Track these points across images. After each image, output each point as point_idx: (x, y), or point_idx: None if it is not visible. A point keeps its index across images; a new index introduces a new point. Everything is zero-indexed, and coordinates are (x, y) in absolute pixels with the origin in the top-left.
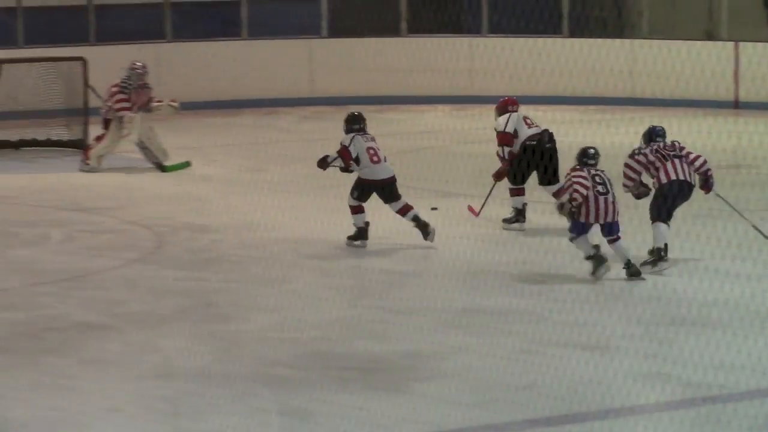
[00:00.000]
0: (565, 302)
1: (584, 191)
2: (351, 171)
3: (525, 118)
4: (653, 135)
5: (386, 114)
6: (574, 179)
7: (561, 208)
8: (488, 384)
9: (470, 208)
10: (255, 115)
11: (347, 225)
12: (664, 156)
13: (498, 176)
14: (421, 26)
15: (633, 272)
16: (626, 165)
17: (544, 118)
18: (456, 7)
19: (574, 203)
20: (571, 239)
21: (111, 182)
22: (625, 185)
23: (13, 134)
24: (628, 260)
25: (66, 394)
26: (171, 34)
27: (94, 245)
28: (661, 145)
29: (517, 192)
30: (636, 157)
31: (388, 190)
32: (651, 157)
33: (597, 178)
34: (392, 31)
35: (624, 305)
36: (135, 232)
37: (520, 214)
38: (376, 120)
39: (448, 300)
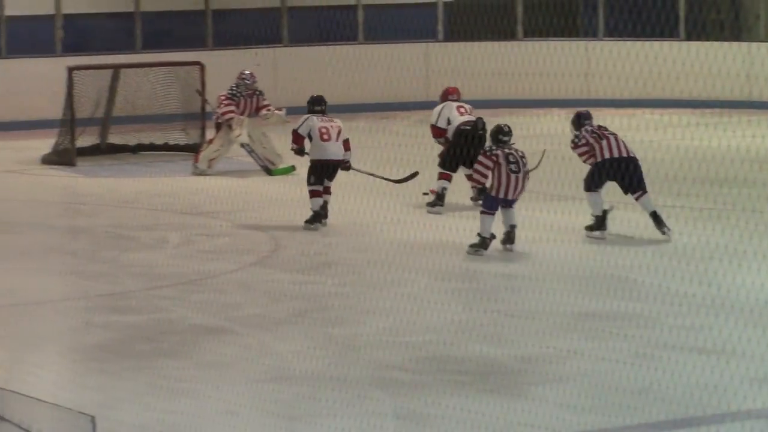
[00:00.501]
0: (680, 306)
1: (487, 173)
2: (304, 153)
3: (459, 107)
4: (582, 119)
5: (501, 118)
6: (478, 166)
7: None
8: (603, 388)
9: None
10: (370, 119)
11: (463, 228)
12: (599, 135)
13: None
14: (537, 30)
15: (510, 240)
16: (579, 154)
17: (660, 121)
18: (572, 10)
19: (477, 185)
20: (482, 212)
21: (228, 186)
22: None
23: (131, 139)
24: (512, 227)
25: (182, 398)
26: (287, 38)
27: (211, 249)
28: (594, 125)
29: (445, 176)
30: (579, 144)
31: (332, 170)
32: (590, 139)
33: (510, 157)
34: (508, 34)
35: (740, 309)
36: (251, 236)
37: (440, 199)
38: (491, 124)
39: (562, 304)
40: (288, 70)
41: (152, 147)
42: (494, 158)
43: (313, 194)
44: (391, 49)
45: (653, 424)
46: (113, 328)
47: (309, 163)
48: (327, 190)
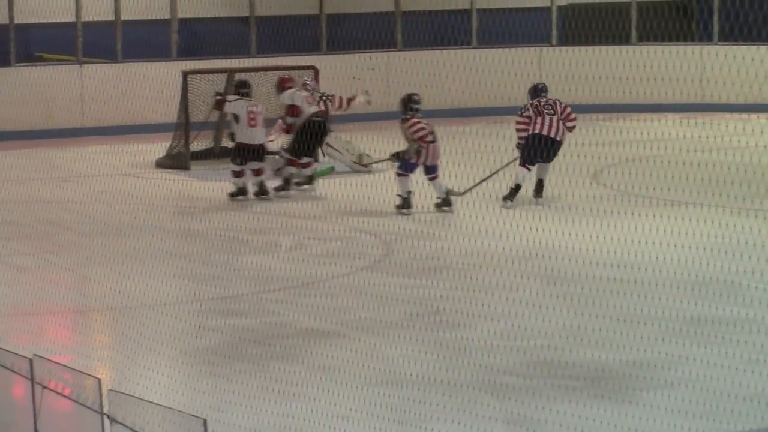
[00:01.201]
0: None
1: (431, 137)
2: (233, 136)
3: (307, 97)
4: (537, 91)
5: (615, 122)
6: (419, 130)
7: (411, 152)
8: (714, 394)
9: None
10: (484, 124)
11: (576, 234)
12: (538, 111)
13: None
14: (651, 34)
15: (445, 204)
16: (516, 122)
17: None
18: (687, 15)
19: (422, 147)
20: (398, 174)
21: (338, 190)
22: (519, 141)
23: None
24: (446, 195)
25: (293, 401)
26: (401, 43)
27: (323, 252)
28: (542, 101)
29: (293, 163)
30: (523, 113)
31: (257, 153)
32: (530, 112)
33: (428, 127)
34: (623, 39)
35: None
36: (363, 240)
37: (287, 184)
38: (605, 128)
39: (673, 308)
40: (401, 74)
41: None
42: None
43: (237, 174)
44: (504, 53)
45: (764, 430)
46: (225, 331)
47: (235, 145)
48: (257, 172)
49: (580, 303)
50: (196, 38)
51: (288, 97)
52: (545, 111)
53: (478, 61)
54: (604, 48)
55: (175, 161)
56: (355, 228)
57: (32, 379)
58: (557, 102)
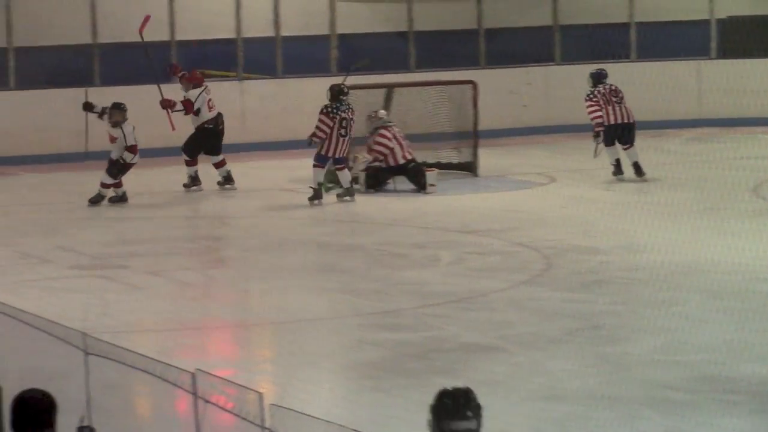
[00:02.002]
0: None
1: (327, 131)
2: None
3: (209, 100)
4: (600, 77)
5: None
6: (318, 125)
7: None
8: None
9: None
10: (642, 137)
11: (737, 248)
12: (607, 100)
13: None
14: None
15: (347, 194)
16: (588, 107)
17: None
18: None
19: (314, 139)
20: (314, 166)
21: (499, 204)
22: (597, 128)
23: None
24: (350, 185)
25: None
26: (560, 57)
27: (483, 267)
28: (606, 88)
29: (193, 163)
30: (591, 98)
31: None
32: (599, 98)
33: (343, 122)
34: None
35: None
36: (523, 254)
37: (196, 179)
38: (765, 141)
39: None
40: (559, 88)
41: (424, 165)
42: (333, 120)
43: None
44: (663, 66)
45: None
46: (385, 346)
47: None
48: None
49: (741, 317)
50: (355, 53)
51: (193, 94)
52: (613, 99)
53: (637, 75)
54: (764, 61)
55: (335, 176)
56: (515, 242)
57: (195, 393)
58: (617, 88)
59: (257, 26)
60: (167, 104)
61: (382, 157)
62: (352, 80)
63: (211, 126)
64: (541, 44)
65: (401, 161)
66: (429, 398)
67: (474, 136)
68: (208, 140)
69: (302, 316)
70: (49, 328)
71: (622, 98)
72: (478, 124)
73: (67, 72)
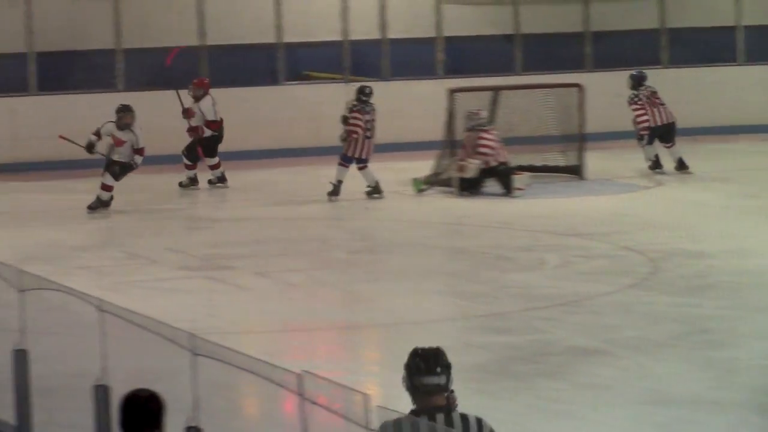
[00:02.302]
0: None
1: (360, 132)
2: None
3: (215, 104)
4: (641, 80)
5: None
6: (354, 123)
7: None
8: None
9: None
10: (752, 141)
11: None
12: (651, 102)
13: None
14: None
15: (375, 192)
16: (634, 110)
17: None
18: None
19: (353, 136)
20: (339, 164)
21: (604, 207)
22: (642, 131)
23: (510, 160)
24: (376, 183)
25: (560, 419)
26: (667, 60)
27: (589, 270)
28: (648, 91)
29: (193, 167)
30: (636, 102)
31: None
32: (643, 101)
33: (368, 125)
34: None
35: None
36: (629, 258)
37: (194, 180)
38: None
39: None
40: (667, 91)
41: (531, 168)
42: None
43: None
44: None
45: None
46: (491, 349)
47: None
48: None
49: None
50: (461, 56)
51: (206, 107)
52: (656, 101)
53: (745, 78)
54: None
55: (441, 179)
56: (621, 245)
57: (301, 395)
58: (656, 89)
59: (363, 29)
60: (189, 114)
61: (485, 160)
62: (458, 83)
63: (216, 133)
64: (648, 47)
65: (495, 164)
66: (535, 401)
67: (580, 139)
68: (211, 145)
69: (409, 318)
70: (157, 328)
71: (661, 99)
72: (585, 128)
73: (172, 73)
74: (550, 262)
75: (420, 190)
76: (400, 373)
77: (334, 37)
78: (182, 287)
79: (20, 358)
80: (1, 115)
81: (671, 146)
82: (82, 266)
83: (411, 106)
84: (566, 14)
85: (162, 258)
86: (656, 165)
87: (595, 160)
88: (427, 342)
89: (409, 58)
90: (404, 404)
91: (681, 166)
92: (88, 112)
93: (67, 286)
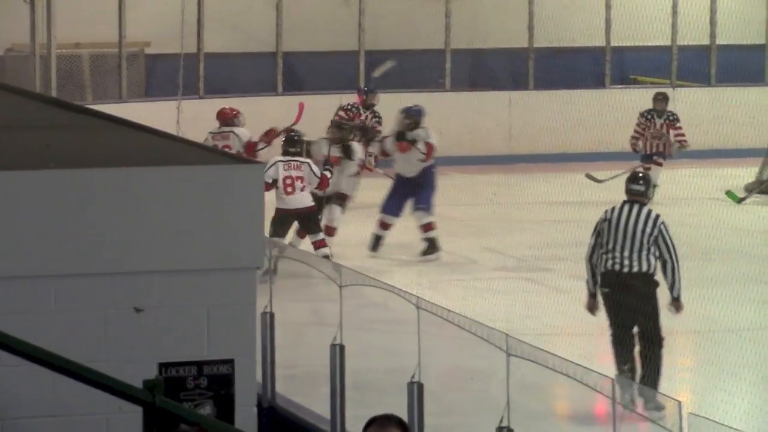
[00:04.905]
0: None
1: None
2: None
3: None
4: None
5: None
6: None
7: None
8: None
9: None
10: None
11: None
12: None
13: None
14: None
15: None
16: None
17: None
18: None
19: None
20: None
21: None
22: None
23: None
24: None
25: None
26: None
27: None
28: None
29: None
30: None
31: (304, 221)
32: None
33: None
34: None
35: None
36: None
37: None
38: None
39: None
40: None
41: None
42: None
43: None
44: None
45: None
46: None
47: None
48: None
49: None
50: None
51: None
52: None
53: None
54: None
55: (764, 186)
56: None
57: (614, 399)
58: None
59: (692, 34)
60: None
61: None
62: None
63: None
64: None
65: None
66: None
67: None
68: None
69: (725, 326)
70: (473, 327)
71: None
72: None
73: (499, 74)
74: None
75: (740, 200)
76: (714, 380)
77: (663, 41)
78: (499, 287)
79: (337, 353)
80: None
81: None
82: (401, 263)
83: (738, 112)
84: None
85: (480, 257)
86: None
87: None
88: (741, 350)
89: (738, 65)
90: (718, 412)
91: None
92: None
93: (387, 283)
